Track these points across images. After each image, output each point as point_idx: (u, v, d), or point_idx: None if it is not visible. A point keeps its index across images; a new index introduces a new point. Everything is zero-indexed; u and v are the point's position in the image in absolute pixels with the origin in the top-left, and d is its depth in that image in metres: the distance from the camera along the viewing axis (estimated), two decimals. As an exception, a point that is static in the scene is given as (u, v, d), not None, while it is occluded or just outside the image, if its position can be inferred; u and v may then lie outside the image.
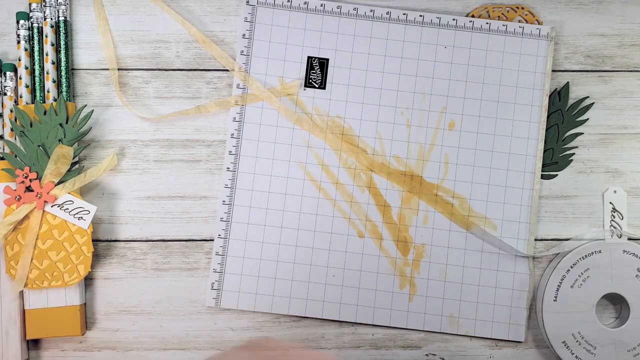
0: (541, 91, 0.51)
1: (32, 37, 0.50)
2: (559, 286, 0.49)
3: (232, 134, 0.50)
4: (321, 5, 0.51)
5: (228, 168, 0.50)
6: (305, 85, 0.51)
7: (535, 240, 0.51)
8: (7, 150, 0.49)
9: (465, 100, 0.51)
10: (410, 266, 0.50)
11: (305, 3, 0.51)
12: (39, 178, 0.48)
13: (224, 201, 0.50)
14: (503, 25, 0.51)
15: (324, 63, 0.51)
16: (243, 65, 0.50)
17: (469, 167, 0.50)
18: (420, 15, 0.51)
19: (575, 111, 0.51)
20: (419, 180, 0.50)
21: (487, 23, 0.51)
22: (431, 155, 0.51)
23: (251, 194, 0.50)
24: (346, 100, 0.51)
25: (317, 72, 0.51)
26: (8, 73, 0.49)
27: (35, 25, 0.50)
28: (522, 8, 0.52)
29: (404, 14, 0.51)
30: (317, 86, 0.51)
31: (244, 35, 0.51)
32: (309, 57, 0.51)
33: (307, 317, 0.50)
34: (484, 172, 0.50)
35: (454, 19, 0.51)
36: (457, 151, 0.50)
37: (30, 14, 0.50)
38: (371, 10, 0.51)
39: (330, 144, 0.50)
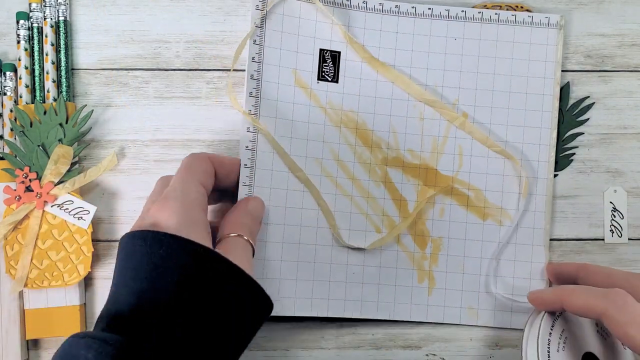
0: (552, 80, 0.51)
1: (32, 37, 0.50)
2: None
3: (248, 128, 0.48)
4: None
5: (245, 165, 0.48)
6: (319, 79, 0.50)
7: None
8: (7, 150, 0.49)
9: (477, 92, 0.50)
10: (428, 260, 0.50)
11: None
12: (39, 178, 0.48)
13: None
14: (512, 16, 0.51)
15: (336, 56, 0.50)
16: (256, 56, 0.49)
17: (483, 159, 0.50)
18: (429, 8, 0.51)
19: (576, 111, 0.51)
20: (434, 173, 0.50)
21: (495, 14, 0.51)
22: (445, 147, 0.50)
23: (270, 191, 0.48)
24: (359, 94, 0.50)
25: (329, 64, 0.50)
26: (8, 73, 0.49)
27: (35, 25, 0.50)
28: (522, 7, 0.52)
29: (412, 7, 0.50)
30: (329, 79, 0.50)
31: (256, 24, 0.48)
32: (321, 50, 0.50)
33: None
34: (499, 163, 0.50)
35: (462, 11, 0.50)
36: (471, 142, 0.50)
37: (30, 14, 0.50)
38: (380, 4, 0.51)
39: (344, 138, 0.49)
